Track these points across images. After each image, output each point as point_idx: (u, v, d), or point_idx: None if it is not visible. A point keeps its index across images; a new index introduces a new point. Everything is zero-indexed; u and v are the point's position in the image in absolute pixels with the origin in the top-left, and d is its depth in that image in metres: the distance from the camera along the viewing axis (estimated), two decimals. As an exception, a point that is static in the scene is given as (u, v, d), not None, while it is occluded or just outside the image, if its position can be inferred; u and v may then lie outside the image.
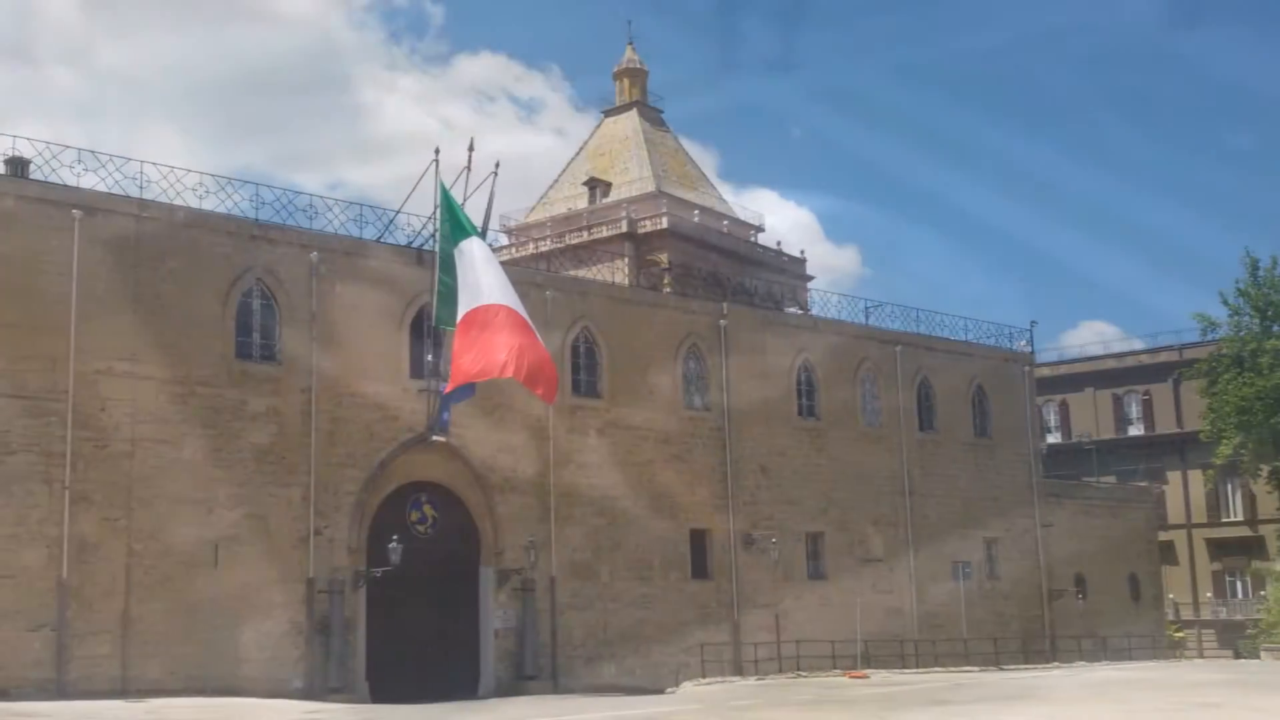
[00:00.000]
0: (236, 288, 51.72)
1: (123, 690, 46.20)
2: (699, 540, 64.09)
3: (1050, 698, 42.64)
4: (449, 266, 53.10)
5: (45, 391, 46.60)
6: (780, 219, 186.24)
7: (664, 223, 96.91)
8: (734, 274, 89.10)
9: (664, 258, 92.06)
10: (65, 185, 48.62)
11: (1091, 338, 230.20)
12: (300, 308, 52.96)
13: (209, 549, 49.30)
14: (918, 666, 65.91)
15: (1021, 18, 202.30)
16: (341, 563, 52.72)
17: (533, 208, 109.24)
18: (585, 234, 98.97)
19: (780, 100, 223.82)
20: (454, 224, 53.68)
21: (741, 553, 64.80)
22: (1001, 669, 63.64)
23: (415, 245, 57.23)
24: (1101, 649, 79.52)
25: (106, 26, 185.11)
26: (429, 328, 55.24)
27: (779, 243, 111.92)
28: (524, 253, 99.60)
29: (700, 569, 63.88)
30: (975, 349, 79.18)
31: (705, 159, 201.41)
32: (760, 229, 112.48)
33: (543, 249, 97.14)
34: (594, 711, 42.19)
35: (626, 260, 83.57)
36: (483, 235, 54.19)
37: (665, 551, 62.56)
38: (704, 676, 58.57)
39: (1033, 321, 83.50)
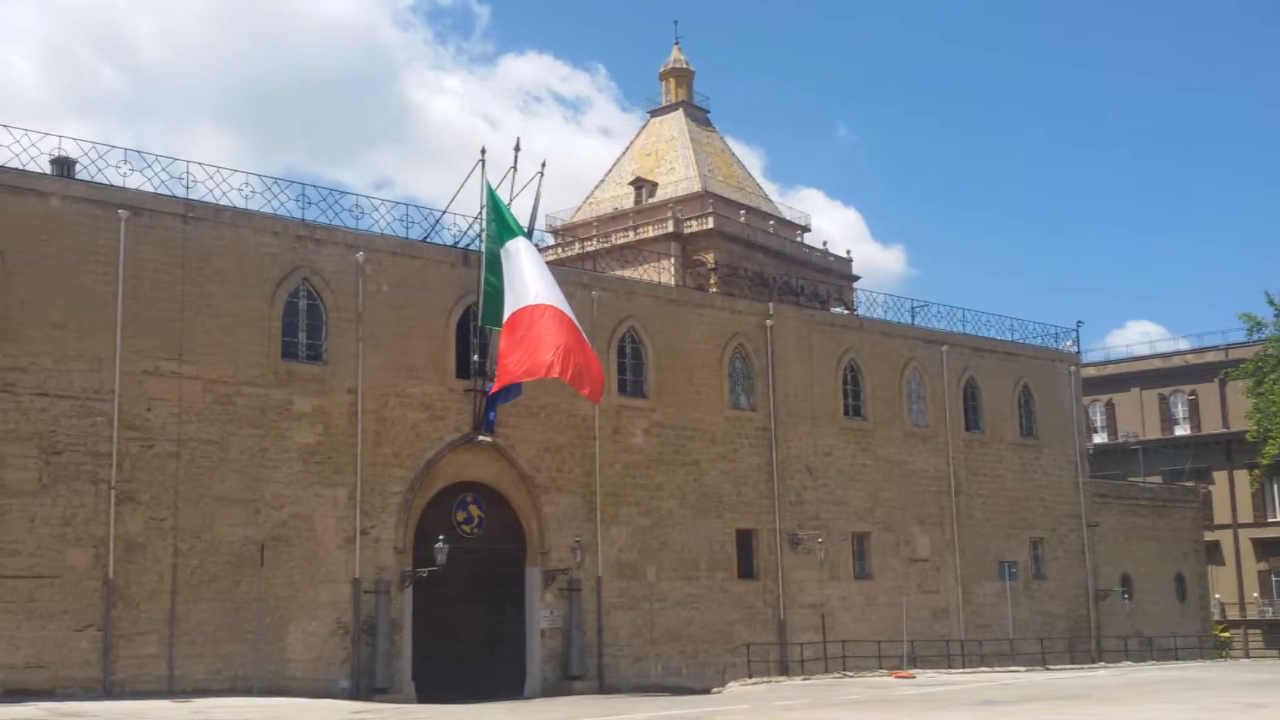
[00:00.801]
0: (283, 288, 51.20)
1: (169, 690, 45.82)
2: (745, 540, 63.46)
3: (1097, 698, 41.98)
4: (495, 266, 52.69)
5: (91, 391, 46.18)
6: (826, 219, 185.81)
7: (710, 223, 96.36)
8: (780, 274, 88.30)
9: (710, 258, 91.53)
10: (111, 185, 48.20)
11: (1137, 338, 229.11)
12: (346, 308, 52.49)
13: (255, 549, 48.82)
14: (964, 667, 65.43)
15: (1068, 21, 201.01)
16: (388, 563, 52.23)
17: (579, 208, 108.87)
18: (631, 234, 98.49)
19: (826, 100, 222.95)
20: (500, 224, 53.25)
21: (787, 552, 64.14)
22: (1048, 669, 63.08)
23: (461, 245, 56.66)
24: (1147, 649, 78.85)
25: (152, 27, 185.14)
26: (475, 328, 54.86)
27: (825, 243, 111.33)
28: (570, 253, 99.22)
29: (746, 569, 63.24)
30: (1021, 349, 78.42)
31: (751, 159, 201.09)
32: (806, 229, 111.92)
33: (589, 249, 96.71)
34: (641, 711, 41.59)
35: (673, 260, 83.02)
36: (529, 235, 53.80)
37: (711, 551, 61.94)
38: (750, 676, 58.13)
39: (1079, 321, 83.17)
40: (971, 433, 74.23)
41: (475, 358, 54.94)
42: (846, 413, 68.53)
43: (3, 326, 44.80)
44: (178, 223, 48.92)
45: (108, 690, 44.66)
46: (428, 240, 56.38)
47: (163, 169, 49.93)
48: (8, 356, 44.73)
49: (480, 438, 54.79)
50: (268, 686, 47.66)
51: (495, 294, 51.98)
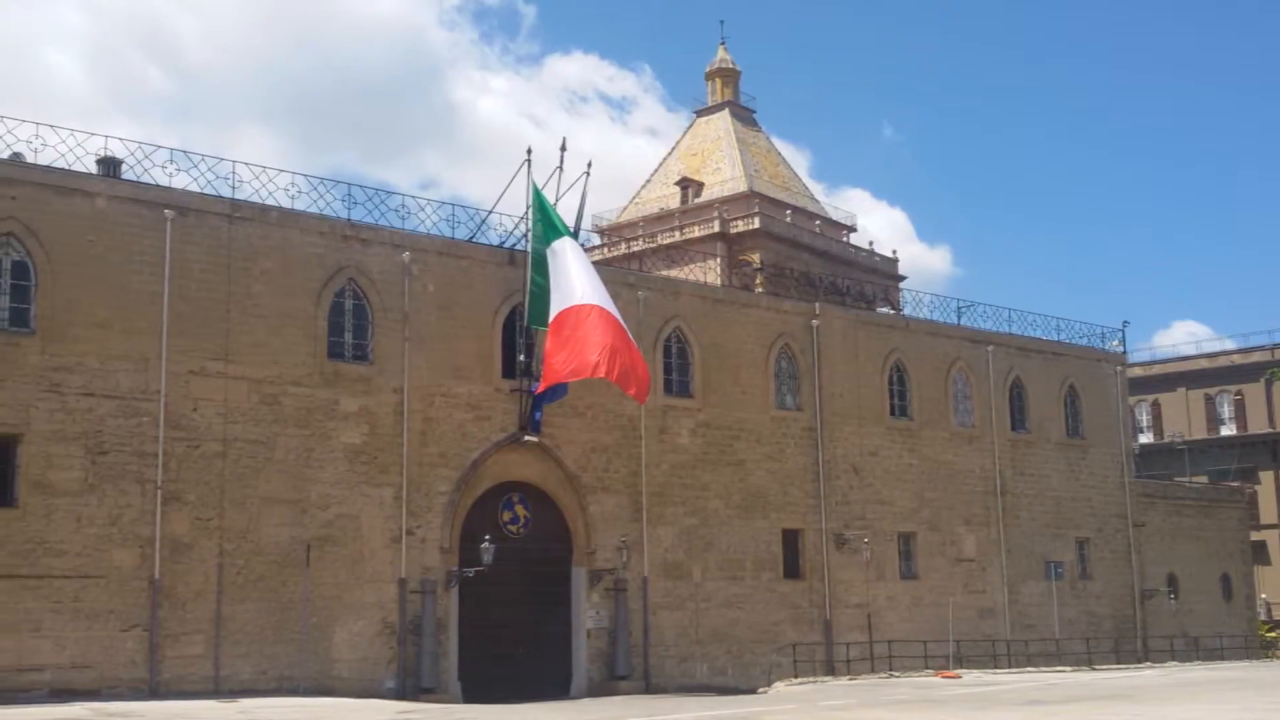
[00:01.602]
0: (329, 288, 50.67)
1: (215, 690, 45.41)
2: (791, 540, 62.76)
3: (1143, 698, 41.18)
4: (541, 266, 52.12)
5: (137, 391, 45.70)
6: (872, 219, 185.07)
7: (756, 223, 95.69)
8: (826, 274, 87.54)
9: (756, 257, 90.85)
10: (157, 185, 47.77)
11: (1184, 338, 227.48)
12: (392, 308, 51.97)
13: (301, 549, 48.33)
14: (1010, 667, 64.71)
15: (1114, 23, 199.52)
16: (433, 563, 51.69)
17: (625, 207, 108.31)
18: (677, 234, 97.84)
19: (872, 99, 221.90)
20: (546, 224, 52.69)
21: (833, 552, 63.40)
22: (1093, 669, 62.32)
23: (507, 245, 56.08)
24: (1193, 649, 77.92)
25: (198, 28, 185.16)
26: (521, 328, 54.28)
27: (871, 243, 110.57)
28: (616, 252, 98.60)
29: (792, 569, 62.56)
30: (1067, 349, 77.53)
31: (797, 159, 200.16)
32: (852, 229, 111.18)
33: (635, 249, 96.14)
34: (686, 711, 40.96)
35: (719, 260, 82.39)
36: (575, 235, 53.21)
37: (758, 551, 61.27)
38: (795, 676, 57.53)
39: (1125, 322, 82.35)
40: (1017, 433, 73.37)
41: (521, 358, 54.37)
42: (892, 413, 67.78)
43: (49, 326, 44.38)
44: (223, 223, 48.45)
45: (153, 690, 44.25)
46: (473, 240, 55.86)
47: (208, 169, 49.60)
48: (54, 356, 44.29)
49: (526, 438, 54.25)
50: (313, 687, 47.24)
51: (541, 294, 51.40)
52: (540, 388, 51.23)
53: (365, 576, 50.01)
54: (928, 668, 61.48)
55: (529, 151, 54.38)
